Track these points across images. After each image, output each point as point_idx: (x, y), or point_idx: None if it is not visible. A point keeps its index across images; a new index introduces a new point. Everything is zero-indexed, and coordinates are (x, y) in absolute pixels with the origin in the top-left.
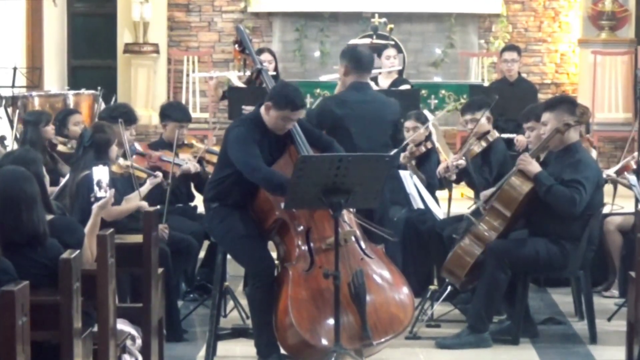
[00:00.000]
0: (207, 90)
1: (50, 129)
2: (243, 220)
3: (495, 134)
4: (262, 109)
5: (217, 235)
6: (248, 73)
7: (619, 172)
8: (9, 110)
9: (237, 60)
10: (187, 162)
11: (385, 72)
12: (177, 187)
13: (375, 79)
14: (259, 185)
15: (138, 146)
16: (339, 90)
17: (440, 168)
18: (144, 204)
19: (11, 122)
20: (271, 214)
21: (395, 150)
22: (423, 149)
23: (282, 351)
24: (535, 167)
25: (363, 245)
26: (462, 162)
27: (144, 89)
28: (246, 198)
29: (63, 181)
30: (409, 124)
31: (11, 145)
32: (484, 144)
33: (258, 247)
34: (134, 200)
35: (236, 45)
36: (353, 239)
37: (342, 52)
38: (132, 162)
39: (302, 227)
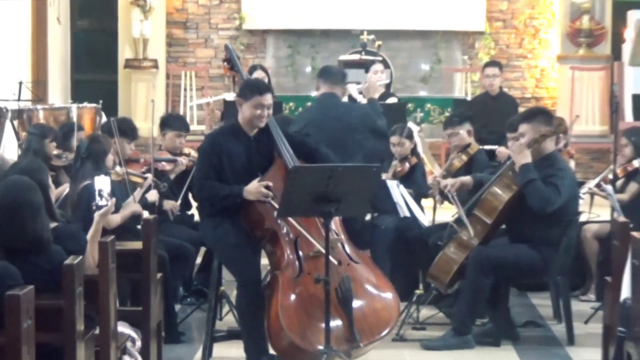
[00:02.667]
0: (206, 113)
1: (52, 145)
2: (234, 229)
3: (476, 146)
4: (239, 111)
5: (209, 242)
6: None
7: (598, 185)
8: (15, 122)
9: (227, 77)
10: (179, 159)
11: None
12: (175, 196)
13: (362, 92)
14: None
15: None
16: None
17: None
18: (138, 208)
19: (17, 133)
20: (261, 223)
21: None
22: (407, 166)
23: (274, 352)
24: (526, 158)
25: (350, 251)
26: (441, 183)
27: (143, 102)
28: (237, 207)
29: (65, 191)
30: (394, 139)
31: (15, 155)
32: (464, 157)
33: (246, 256)
34: (130, 206)
35: (225, 63)
36: (339, 246)
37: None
38: (126, 169)
39: (290, 236)
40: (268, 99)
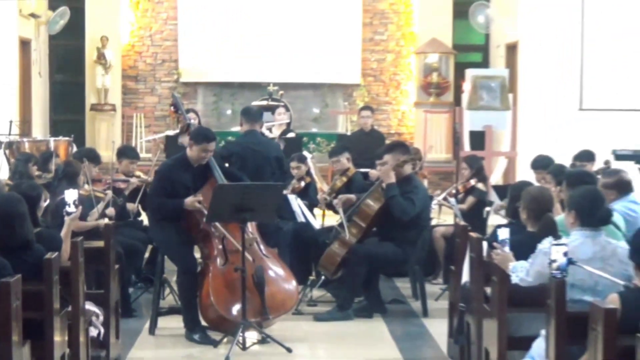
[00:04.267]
0: (152, 145)
1: (34, 168)
2: (176, 231)
3: (353, 169)
4: (187, 148)
5: (157, 241)
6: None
7: (445, 198)
8: (7, 151)
9: (172, 117)
10: (132, 180)
11: (277, 124)
12: (125, 209)
13: (270, 129)
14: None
15: None
16: None
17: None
18: (102, 222)
19: (8, 159)
20: (197, 226)
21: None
22: (303, 184)
23: (205, 324)
24: (391, 178)
25: (262, 248)
26: (328, 198)
27: (104, 136)
28: (179, 215)
29: (45, 203)
30: (293, 164)
31: (6, 176)
32: (345, 178)
33: (186, 251)
34: (94, 216)
35: (172, 107)
36: (255, 243)
37: (240, 111)
38: (92, 187)
39: (218, 235)
40: (213, 145)
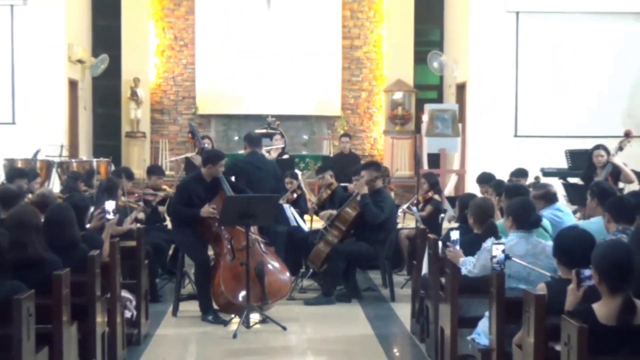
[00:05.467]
0: (175, 164)
1: (81, 184)
2: (193, 233)
3: (335, 184)
4: (202, 168)
5: (178, 241)
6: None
7: (408, 207)
8: (58, 170)
9: (190, 143)
10: (158, 193)
11: (274, 148)
12: (155, 213)
13: (269, 152)
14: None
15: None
16: None
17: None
18: (134, 226)
19: (59, 177)
20: (210, 229)
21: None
22: (294, 195)
23: (217, 307)
24: (364, 190)
25: (262, 246)
26: (315, 207)
27: (137, 157)
28: (194, 220)
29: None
30: (287, 180)
31: (57, 190)
32: (329, 191)
33: (200, 250)
34: (127, 223)
35: (190, 134)
36: (256, 243)
37: (244, 137)
38: (127, 199)
39: (227, 237)
40: (223, 163)
